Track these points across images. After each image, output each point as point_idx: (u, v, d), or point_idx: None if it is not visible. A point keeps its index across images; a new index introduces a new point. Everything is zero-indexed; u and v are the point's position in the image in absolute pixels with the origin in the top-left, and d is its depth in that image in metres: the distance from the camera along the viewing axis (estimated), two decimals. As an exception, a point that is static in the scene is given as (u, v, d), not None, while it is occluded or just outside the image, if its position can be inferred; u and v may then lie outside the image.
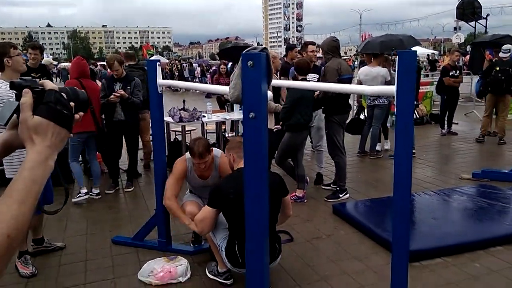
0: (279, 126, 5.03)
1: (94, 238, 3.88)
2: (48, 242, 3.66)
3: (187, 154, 3.38)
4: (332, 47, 4.87)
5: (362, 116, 6.91)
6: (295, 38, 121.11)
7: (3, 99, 3.07)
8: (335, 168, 4.99)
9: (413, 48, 7.87)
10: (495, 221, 3.93)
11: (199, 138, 3.34)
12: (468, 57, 17.05)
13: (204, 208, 2.87)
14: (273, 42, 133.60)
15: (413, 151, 6.03)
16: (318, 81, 5.09)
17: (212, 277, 3.09)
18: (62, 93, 0.83)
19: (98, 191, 5.03)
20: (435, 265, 3.23)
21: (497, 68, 7.35)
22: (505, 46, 7.66)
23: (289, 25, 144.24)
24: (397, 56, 1.80)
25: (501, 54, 7.61)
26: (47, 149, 0.78)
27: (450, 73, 8.04)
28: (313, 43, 5.81)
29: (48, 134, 0.79)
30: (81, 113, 0.87)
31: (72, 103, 0.83)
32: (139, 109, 5.37)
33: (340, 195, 4.81)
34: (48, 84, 0.83)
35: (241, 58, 1.73)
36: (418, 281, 2.98)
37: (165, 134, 4.80)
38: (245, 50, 1.81)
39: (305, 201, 4.75)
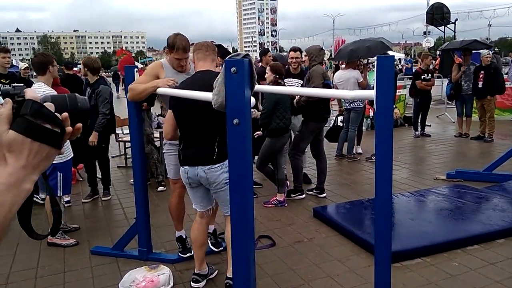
0: (260, 132, 5.05)
1: (72, 249, 3.78)
2: (64, 224, 4.12)
3: (162, 61, 3.33)
4: (320, 56, 5.00)
5: (339, 123, 7.07)
6: (270, 43, 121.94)
7: None
8: (297, 169, 4.99)
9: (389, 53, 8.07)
10: (471, 220, 4.04)
11: (179, 34, 3.23)
12: (438, 61, 17.54)
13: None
14: (248, 46, 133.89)
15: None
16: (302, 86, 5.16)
17: None
18: (46, 103, 0.69)
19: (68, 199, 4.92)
20: (415, 265, 3.29)
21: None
22: (483, 51, 8.06)
23: (264, 30, 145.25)
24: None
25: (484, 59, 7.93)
26: (21, 171, 0.66)
27: (422, 77, 8.27)
28: (294, 49, 5.87)
29: (24, 153, 0.66)
30: (79, 125, 0.74)
31: (65, 114, 0.71)
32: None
33: (292, 195, 4.92)
34: (28, 93, 0.69)
35: (224, 64, 1.73)
36: (400, 281, 3.03)
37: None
38: (228, 56, 1.81)
39: (286, 205, 4.76)
